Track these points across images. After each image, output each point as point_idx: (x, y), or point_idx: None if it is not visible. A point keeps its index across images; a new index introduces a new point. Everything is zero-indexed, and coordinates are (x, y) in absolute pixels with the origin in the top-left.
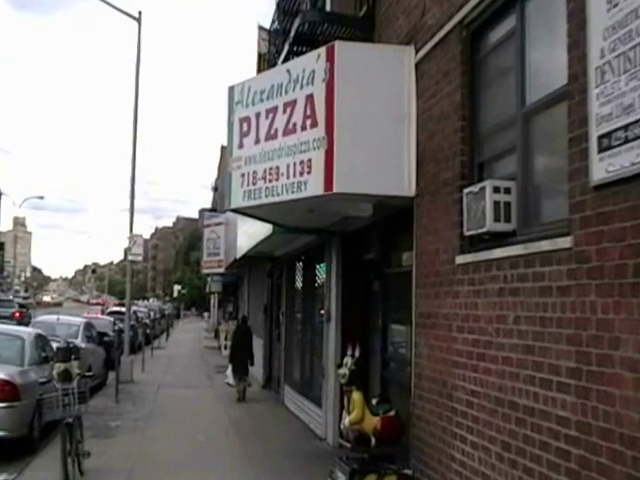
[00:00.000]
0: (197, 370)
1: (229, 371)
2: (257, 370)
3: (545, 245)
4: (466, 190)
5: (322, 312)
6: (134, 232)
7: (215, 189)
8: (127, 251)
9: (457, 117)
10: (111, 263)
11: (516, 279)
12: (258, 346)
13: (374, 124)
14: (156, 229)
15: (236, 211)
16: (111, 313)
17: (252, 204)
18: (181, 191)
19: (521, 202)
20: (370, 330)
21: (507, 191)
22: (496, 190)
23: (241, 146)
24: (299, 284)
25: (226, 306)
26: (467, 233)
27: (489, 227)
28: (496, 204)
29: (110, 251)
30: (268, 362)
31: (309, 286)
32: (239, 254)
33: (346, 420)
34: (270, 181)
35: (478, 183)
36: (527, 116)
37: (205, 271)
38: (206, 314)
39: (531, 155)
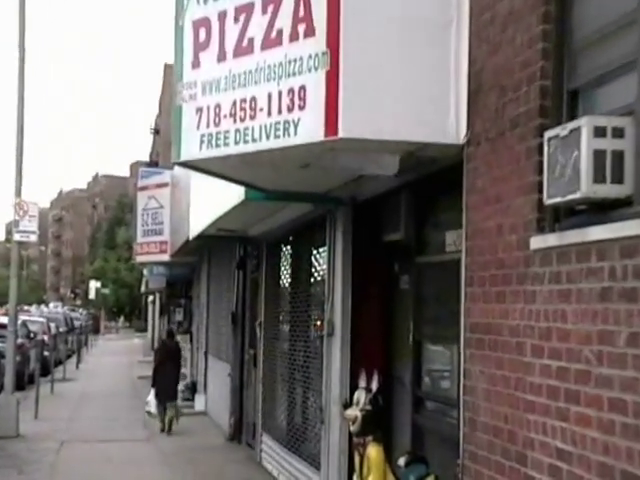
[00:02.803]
0: (126, 414)
1: (151, 397)
2: (220, 413)
3: None
4: (549, 133)
5: (320, 323)
6: (22, 198)
7: (155, 132)
8: (11, 228)
9: (536, 17)
10: None
11: (632, 275)
12: (222, 375)
13: (402, 32)
14: (60, 192)
15: (189, 166)
16: None
17: (214, 155)
18: (102, 135)
19: None
20: (394, 351)
21: (618, 134)
22: (599, 133)
23: (196, 65)
24: (286, 280)
25: (173, 313)
26: (549, 201)
27: (586, 191)
28: (598, 155)
29: None
30: (238, 400)
31: (301, 283)
32: (193, 233)
33: None
34: (242, 120)
35: (569, 122)
36: None
37: (140, 259)
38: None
39: None
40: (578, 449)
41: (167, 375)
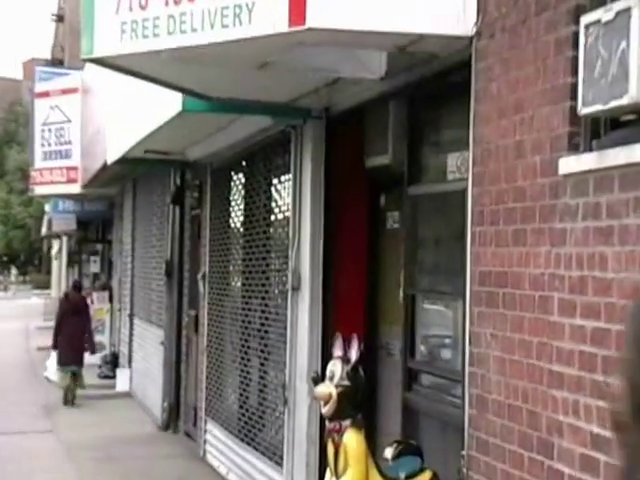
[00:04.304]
0: (20, 396)
1: (51, 361)
2: (150, 393)
3: None
4: (587, 18)
5: (283, 274)
6: None
7: (58, 19)
8: None
9: None
10: None
11: None
12: (152, 344)
13: None
14: None
15: (106, 64)
16: None
17: (139, 50)
18: None
19: None
20: (380, 311)
21: None
22: None
23: None
24: (237, 219)
25: (86, 264)
26: (586, 110)
27: (637, 96)
28: None
29: None
30: (174, 376)
31: (258, 223)
32: (113, 156)
33: None
34: (177, 3)
35: (614, 1)
36: None
37: (40, 191)
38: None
39: None
40: None
41: (70, 335)
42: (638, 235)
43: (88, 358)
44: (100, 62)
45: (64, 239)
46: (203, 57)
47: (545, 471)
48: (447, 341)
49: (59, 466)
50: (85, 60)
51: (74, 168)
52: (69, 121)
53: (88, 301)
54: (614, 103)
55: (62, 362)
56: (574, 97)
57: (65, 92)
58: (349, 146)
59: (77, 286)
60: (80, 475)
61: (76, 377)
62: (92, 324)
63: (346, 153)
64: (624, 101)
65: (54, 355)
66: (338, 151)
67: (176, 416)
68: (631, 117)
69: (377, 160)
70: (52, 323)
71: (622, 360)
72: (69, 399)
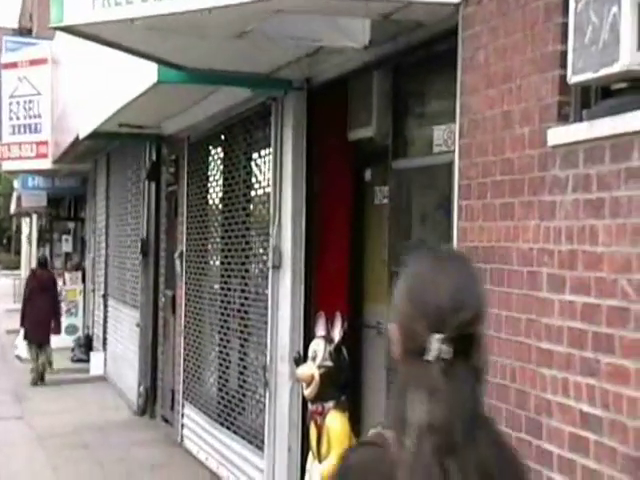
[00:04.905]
0: None
1: (20, 338)
2: (125, 377)
3: None
4: None
5: (264, 252)
6: None
7: None
8: None
9: None
10: None
11: None
12: (128, 325)
13: None
14: None
15: (77, 33)
16: None
17: (112, 18)
18: None
19: None
20: (365, 288)
21: None
22: None
23: None
24: (216, 195)
25: (58, 243)
26: (576, 79)
27: (629, 62)
28: None
29: None
30: (150, 359)
31: (238, 199)
32: (85, 130)
33: (314, 473)
34: None
35: None
36: None
37: (8, 167)
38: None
39: None
40: (611, 413)
41: (37, 312)
42: (629, 207)
43: (61, 341)
44: (71, 31)
45: (34, 217)
46: (179, 26)
47: (534, 451)
48: None
49: (30, 454)
50: (55, 28)
51: (44, 143)
52: (38, 94)
53: (58, 279)
54: (605, 71)
55: (29, 339)
56: (564, 65)
57: (34, 63)
58: (332, 118)
59: (43, 262)
60: (52, 463)
61: (43, 353)
62: (63, 305)
63: (329, 126)
64: (615, 68)
65: (22, 332)
66: (321, 124)
67: (153, 400)
68: (622, 85)
69: (361, 133)
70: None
71: (395, 308)
72: (37, 379)
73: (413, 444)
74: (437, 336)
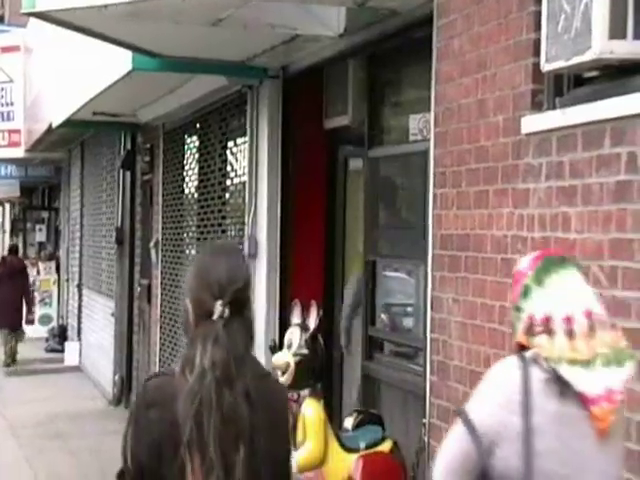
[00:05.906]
0: None
1: None
2: (100, 367)
3: None
4: None
5: (239, 241)
6: None
7: None
8: None
9: None
10: None
11: None
12: (103, 315)
13: None
14: None
15: (49, 19)
16: None
17: (85, 4)
18: None
19: None
20: (339, 276)
21: None
22: None
23: None
24: (191, 184)
25: (31, 233)
26: (549, 67)
27: (600, 51)
28: None
29: None
30: (126, 349)
31: (213, 188)
32: (59, 118)
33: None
34: None
35: None
36: None
37: None
38: None
39: None
40: None
41: (6, 298)
42: (600, 195)
43: (35, 331)
44: (43, 17)
45: (7, 206)
46: (153, 13)
47: None
48: (409, 309)
49: (2, 444)
50: (27, 14)
51: (17, 131)
52: (11, 81)
53: (32, 269)
54: (577, 59)
55: (3, 326)
56: (537, 53)
57: (6, 50)
58: (308, 107)
59: (14, 249)
60: (25, 453)
61: (14, 337)
62: (37, 294)
63: (305, 114)
64: (587, 57)
65: None
66: (296, 112)
67: (128, 390)
68: (595, 73)
69: (336, 121)
70: None
71: (187, 286)
72: (10, 360)
73: (197, 377)
74: (219, 302)
